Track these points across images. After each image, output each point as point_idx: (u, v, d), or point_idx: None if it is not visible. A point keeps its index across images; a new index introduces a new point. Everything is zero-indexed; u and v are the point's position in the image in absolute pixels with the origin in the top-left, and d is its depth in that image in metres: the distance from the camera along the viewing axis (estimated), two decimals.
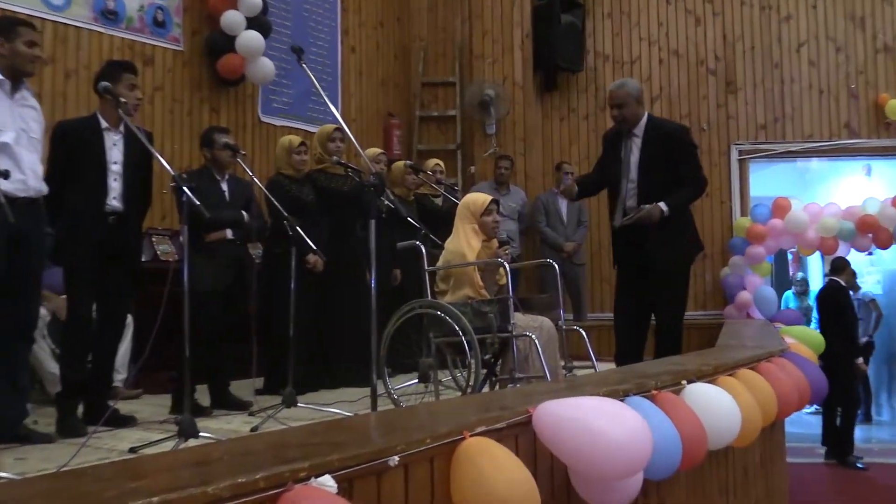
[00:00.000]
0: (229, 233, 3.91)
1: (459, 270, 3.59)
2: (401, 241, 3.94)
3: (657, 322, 3.89)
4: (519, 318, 3.47)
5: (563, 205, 7.06)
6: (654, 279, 3.86)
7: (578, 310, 7.03)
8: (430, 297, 3.59)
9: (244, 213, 3.97)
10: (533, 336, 3.34)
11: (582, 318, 6.83)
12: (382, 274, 4.73)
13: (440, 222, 5.11)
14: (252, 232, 4.00)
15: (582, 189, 4.15)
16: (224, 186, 4.00)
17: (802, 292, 9.42)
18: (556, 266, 4.17)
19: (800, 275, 9.77)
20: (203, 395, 3.90)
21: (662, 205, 3.81)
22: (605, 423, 1.77)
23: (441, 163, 5.93)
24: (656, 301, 3.86)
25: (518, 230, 6.94)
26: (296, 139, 4.71)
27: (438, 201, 5.78)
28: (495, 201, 3.79)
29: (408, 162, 5.33)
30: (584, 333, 3.89)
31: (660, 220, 3.80)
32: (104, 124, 3.27)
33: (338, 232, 4.75)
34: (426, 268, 3.67)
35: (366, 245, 3.22)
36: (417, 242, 3.71)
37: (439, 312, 3.42)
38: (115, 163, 3.25)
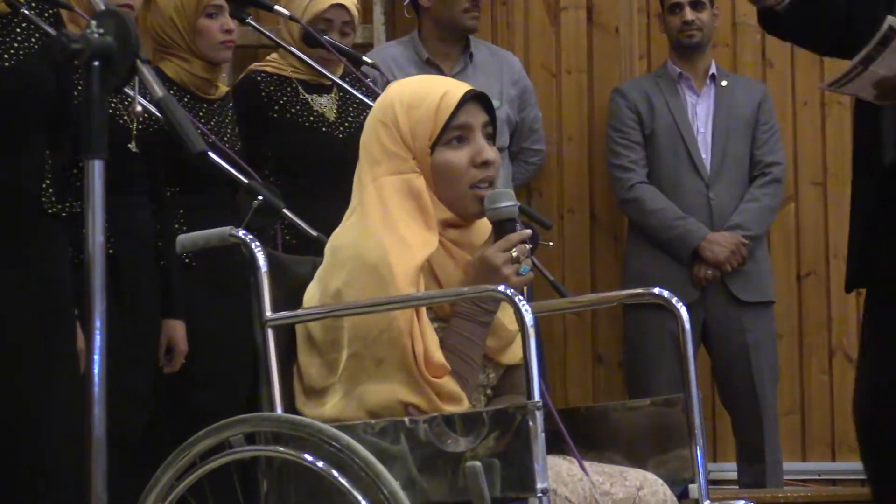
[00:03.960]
0: None
1: (371, 323, 2.92)
2: (195, 228, 3.45)
3: None
4: (563, 475, 2.73)
5: (700, 107, 4.74)
6: None
7: (755, 454, 5.14)
8: (279, 410, 2.87)
9: None
10: None
11: (771, 479, 5.07)
12: (145, 322, 4.34)
13: (316, 166, 4.36)
14: None
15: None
16: None
17: None
18: (684, 309, 2.97)
19: None
20: None
21: None
22: None
23: None
24: None
25: (506, 172, 5.27)
26: None
27: (318, 103, 4.89)
28: (482, 97, 3.02)
29: None
30: None
31: None
32: None
33: None
34: (268, 315, 2.90)
35: (75, 235, 3.41)
36: (240, 234, 2.98)
37: (308, 457, 2.71)
38: None
